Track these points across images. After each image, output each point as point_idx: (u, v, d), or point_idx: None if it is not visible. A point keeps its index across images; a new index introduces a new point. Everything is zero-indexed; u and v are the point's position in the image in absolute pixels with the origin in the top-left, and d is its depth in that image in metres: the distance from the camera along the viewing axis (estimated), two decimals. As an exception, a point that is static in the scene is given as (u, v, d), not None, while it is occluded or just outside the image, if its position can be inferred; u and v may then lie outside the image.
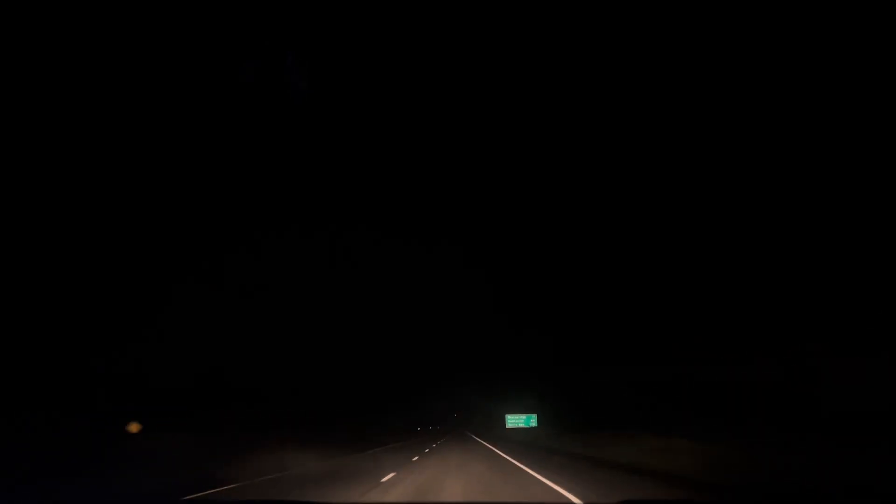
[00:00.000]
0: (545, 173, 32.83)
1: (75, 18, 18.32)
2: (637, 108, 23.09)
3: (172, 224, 22.75)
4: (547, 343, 49.38)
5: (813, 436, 14.29)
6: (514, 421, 55.86)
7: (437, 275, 58.36)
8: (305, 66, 22.75)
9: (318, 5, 20.21)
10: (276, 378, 33.24)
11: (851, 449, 11.59)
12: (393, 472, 16.15)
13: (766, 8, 16.96)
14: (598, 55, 22.04)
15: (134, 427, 19.04)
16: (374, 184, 36.14)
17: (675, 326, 24.56)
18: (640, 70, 21.50)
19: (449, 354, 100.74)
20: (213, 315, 24.77)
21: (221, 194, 24.53)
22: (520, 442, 39.13)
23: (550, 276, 43.05)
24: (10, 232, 18.42)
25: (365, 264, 46.67)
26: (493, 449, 28.46)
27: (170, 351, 22.00)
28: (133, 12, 18.74)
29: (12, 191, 18.47)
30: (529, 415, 55.66)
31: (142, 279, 21.67)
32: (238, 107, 22.36)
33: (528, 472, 15.25)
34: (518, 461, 19.11)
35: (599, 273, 33.67)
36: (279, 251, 30.62)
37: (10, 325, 17.79)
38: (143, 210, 21.65)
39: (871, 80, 15.76)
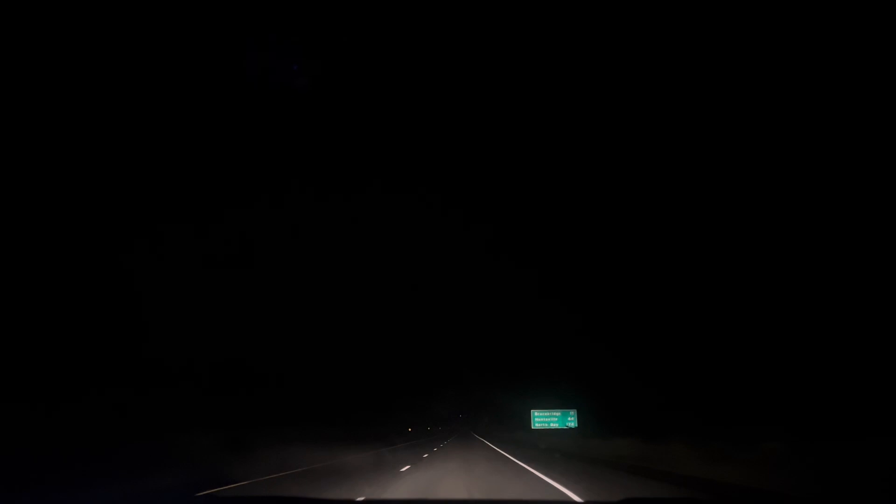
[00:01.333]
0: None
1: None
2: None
3: (172, 223, 22.50)
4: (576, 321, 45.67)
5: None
6: (544, 419, 42.47)
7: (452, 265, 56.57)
8: (306, 44, 21.88)
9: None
10: (283, 373, 32.87)
11: None
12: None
13: (766, 8, 16.68)
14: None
15: None
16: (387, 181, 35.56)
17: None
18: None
19: (454, 349, 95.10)
20: (227, 307, 24.48)
21: (221, 195, 24.21)
22: (568, 453, 25.24)
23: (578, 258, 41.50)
24: (11, 230, 18.23)
25: (376, 261, 46.10)
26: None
27: (182, 341, 21.73)
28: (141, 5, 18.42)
29: (13, 186, 18.26)
30: (566, 410, 42.43)
31: (143, 271, 21.40)
32: (243, 93, 21.81)
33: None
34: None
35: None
36: (292, 247, 30.24)
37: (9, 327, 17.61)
38: (143, 207, 21.40)
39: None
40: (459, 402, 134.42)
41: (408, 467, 19.07)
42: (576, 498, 11.33)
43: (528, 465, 18.67)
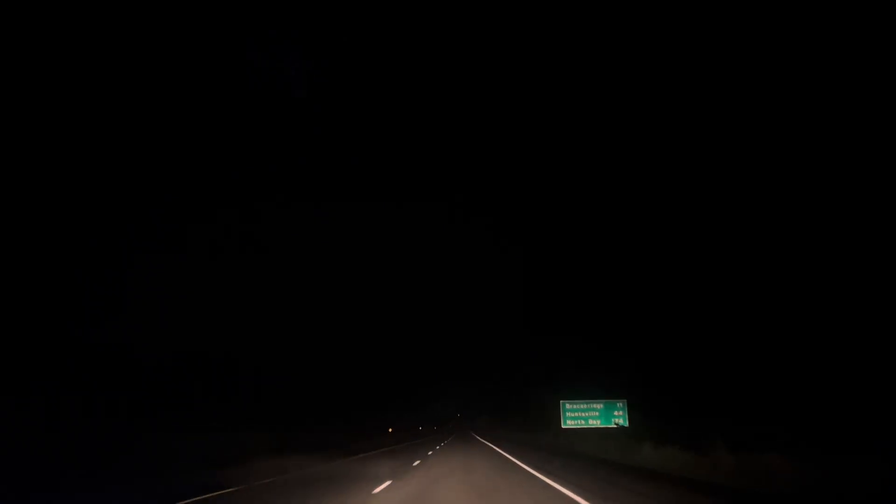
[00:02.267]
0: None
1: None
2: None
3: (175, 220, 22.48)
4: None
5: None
6: (580, 414, 30.77)
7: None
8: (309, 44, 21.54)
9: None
10: (279, 372, 32.62)
11: None
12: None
13: (766, 8, 16.45)
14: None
15: None
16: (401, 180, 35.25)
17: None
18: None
19: (454, 340, 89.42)
20: (217, 306, 24.38)
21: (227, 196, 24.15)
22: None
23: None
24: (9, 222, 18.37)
25: (374, 254, 45.54)
26: None
27: (168, 341, 21.69)
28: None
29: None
30: (610, 402, 30.77)
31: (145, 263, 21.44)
32: (249, 96, 21.71)
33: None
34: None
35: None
36: (290, 245, 30.05)
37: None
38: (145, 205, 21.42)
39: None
40: (458, 398, 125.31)
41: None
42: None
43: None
